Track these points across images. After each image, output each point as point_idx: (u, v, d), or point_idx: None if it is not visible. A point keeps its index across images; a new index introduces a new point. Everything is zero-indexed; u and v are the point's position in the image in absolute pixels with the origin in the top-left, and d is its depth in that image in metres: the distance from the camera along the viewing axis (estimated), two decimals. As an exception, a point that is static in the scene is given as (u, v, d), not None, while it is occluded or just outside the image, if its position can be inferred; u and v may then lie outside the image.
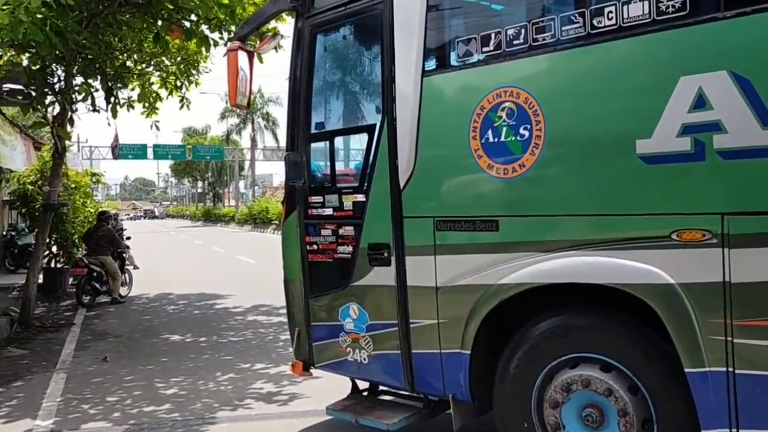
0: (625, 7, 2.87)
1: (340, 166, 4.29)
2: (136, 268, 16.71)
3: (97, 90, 9.94)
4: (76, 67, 9.24)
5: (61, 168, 10.39)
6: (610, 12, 2.91)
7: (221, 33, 9.11)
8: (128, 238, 16.74)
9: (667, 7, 2.75)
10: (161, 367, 6.79)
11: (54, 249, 12.98)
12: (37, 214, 12.17)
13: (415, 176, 3.67)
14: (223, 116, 55.79)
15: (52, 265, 12.90)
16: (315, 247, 4.27)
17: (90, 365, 6.97)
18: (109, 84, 9.67)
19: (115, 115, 10.11)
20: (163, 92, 11.73)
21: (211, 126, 70.31)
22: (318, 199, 4.23)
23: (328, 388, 4.72)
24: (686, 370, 2.78)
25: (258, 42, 6.34)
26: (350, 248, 4.05)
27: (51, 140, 11.09)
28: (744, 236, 2.60)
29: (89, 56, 9.06)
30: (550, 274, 3.17)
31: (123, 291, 11.83)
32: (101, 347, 7.87)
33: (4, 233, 17.48)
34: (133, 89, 11.18)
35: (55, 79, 9.49)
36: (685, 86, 2.70)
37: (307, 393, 5.49)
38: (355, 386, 4.50)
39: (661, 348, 2.93)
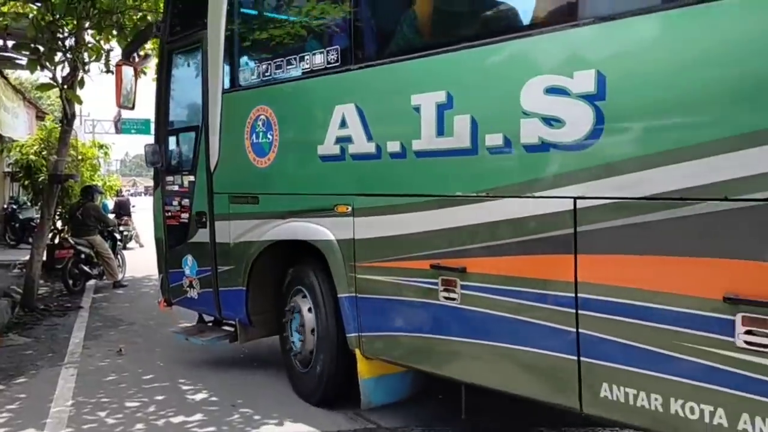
0: (314, 57, 4.33)
1: (183, 154, 5.81)
2: (141, 246, 16.20)
3: (112, 49, 8.98)
4: (89, 22, 8.31)
5: (69, 136, 9.30)
6: (308, 58, 4.37)
7: None
8: (132, 206, 16.96)
9: (329, 60, 4.20)
10: (184, 364, 5.85)
11: (59, 224, 11.77)
12: (41, 186, 11.59)
13: (219, 164, 5.20)
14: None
15: (56, 241, 11.44)
16: (169, 213, 5.84)
17: (103, 359, 6.08)
18: (128, 39, 8.18)
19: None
20: None
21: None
22: (170, 178, 5.80)
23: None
24: (338, 295, 4.28)
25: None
26: (187, 215, 5.61)
27: (53, 111, 10.23)
28: (361, 209, 4.06)
29: (104, 8, 8.16)
30: (280, 234, 4.70)
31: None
32: (113, 337, 6.97)
33: (5, 206, 16.39)
34: (152, 50, 9.31)
35: (66, 34, 8.42)
36: (337, 112, 4.15)
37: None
38: (200, 317, 6.08)
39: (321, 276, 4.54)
